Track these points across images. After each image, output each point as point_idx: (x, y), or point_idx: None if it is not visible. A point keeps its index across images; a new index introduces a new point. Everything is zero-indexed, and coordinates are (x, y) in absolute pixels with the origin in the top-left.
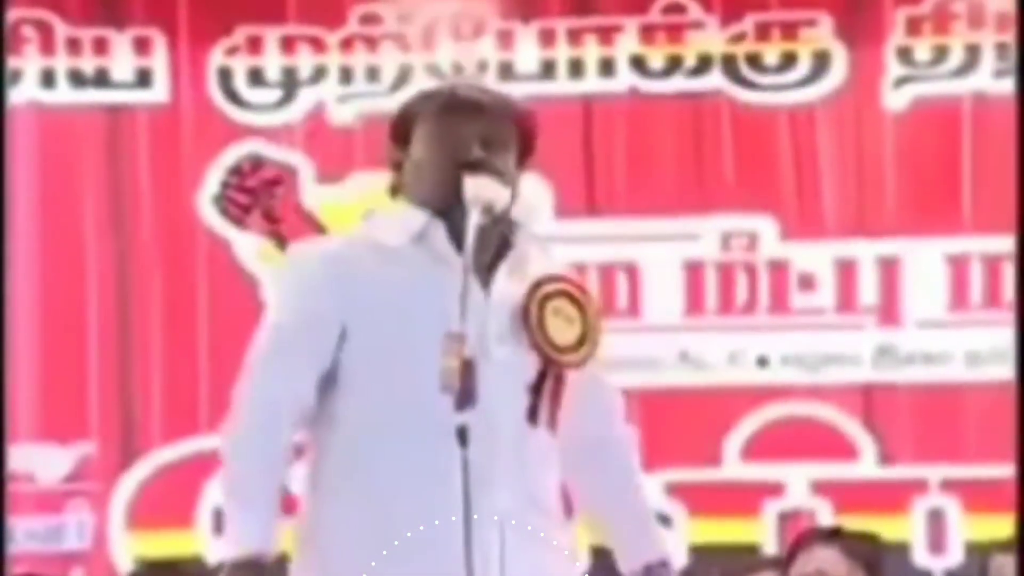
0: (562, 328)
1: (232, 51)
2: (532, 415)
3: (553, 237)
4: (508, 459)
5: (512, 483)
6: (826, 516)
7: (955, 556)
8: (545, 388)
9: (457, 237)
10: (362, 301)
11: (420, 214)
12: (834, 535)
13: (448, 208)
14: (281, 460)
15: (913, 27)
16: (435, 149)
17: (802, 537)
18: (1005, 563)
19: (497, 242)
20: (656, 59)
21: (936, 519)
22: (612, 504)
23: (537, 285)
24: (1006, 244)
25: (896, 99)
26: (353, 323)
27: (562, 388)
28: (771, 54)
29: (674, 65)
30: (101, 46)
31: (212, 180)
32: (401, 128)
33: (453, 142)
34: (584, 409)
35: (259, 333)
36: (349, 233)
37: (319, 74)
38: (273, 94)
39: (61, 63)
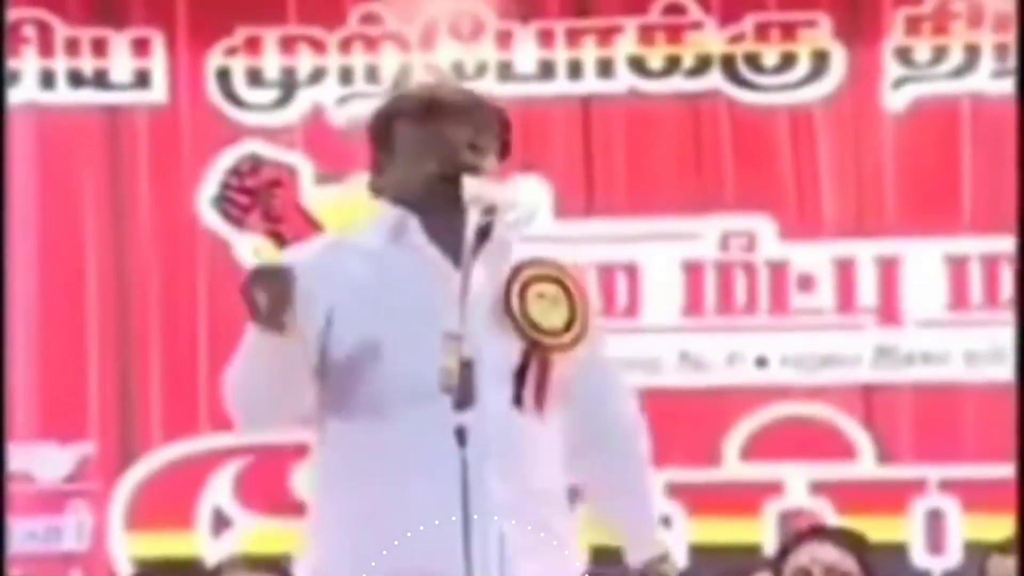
0: (547, 311)
1: (231, 51)
2: (517, 400)
3: (552, 237)
4: (502, 450)
5: (508, 475)
6: (826, 516)
7: (954, 556)
8: (529, 373)
9: (434, 232)
10: (345, 301)
11: (394, 211)
12: (822, 531)
13: (429, 207)
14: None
15: (912, 27)
16: (422, 154)
17: (792, 537)
18: (1004, 563)
19: (475, 234)
20: (655, 60)
21: (935, 519)
22: (617, 494)
23: (517, 269)
24: (1005, 244)
25: (895, 99)
26: (337, 322)
27: (549, 372)
28: (770, 55)
29: (673, 66)
30: (100, 47)
31: (211, 181)
32: (381, 130)
33: (440, 147)
34: (587, 395)
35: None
36: (326, 239)
37: (318, 74)
38: (272, 94)
39: (60, 64)
